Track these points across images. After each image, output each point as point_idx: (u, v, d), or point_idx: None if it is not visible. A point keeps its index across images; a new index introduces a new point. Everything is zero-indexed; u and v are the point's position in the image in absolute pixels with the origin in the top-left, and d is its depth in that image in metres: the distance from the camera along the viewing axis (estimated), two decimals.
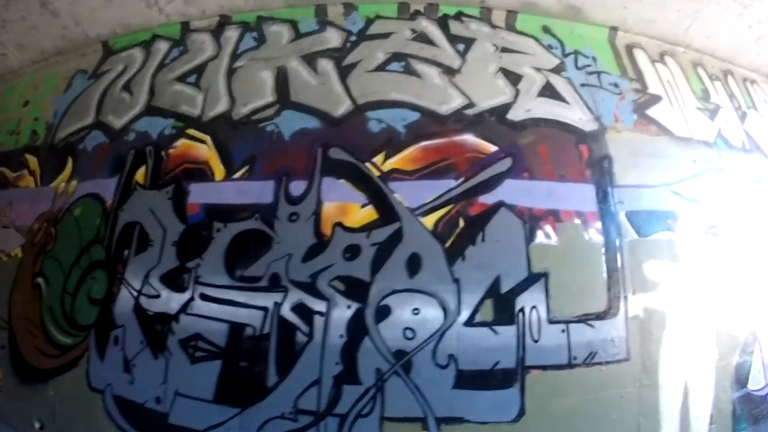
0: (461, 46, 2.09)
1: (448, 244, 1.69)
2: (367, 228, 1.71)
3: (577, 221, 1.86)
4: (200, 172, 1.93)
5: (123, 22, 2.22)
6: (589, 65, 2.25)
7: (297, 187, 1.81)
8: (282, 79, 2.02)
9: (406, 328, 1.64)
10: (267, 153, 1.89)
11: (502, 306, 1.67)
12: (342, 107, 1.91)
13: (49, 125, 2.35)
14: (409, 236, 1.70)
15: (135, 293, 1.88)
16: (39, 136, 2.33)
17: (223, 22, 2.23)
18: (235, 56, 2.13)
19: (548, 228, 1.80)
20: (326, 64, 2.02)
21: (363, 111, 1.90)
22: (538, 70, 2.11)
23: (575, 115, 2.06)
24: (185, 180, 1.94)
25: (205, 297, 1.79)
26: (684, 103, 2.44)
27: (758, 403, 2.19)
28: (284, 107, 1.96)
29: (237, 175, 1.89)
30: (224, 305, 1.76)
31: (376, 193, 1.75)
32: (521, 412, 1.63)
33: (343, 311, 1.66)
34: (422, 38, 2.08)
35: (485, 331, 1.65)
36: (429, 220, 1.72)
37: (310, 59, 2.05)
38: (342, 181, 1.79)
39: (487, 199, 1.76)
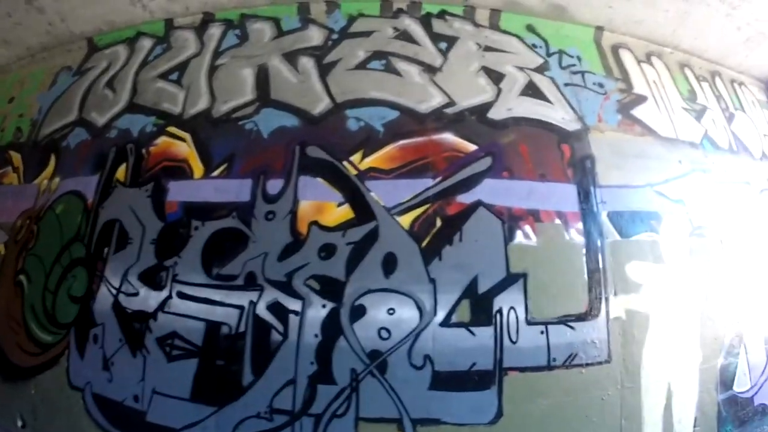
0: (443, 45, 2.04)
1: (424, 243, 1.64)
2: (343, 227, 1.66)
3: (558, 221, 1.80)
4: (179, 170, 1.89)
5: (107, 19, 2.18)
6: (573, 65, 2.18)
7: (274, 186, 1.76)
8: (263, 77, 1.97)
9: (381, 328, 1.59)
10: (245, 151, 1.84)
11: (480, 307, 1.61)
12: (321, 105, 1.86)
13: (33, 122, 2.31)
14: (385, 235, 1.64)
15: (114, 291, 1.83)
16: (23, 132, 2.29)
17: (207, 19, 2.18)
18: (217, 54, 2.08)
19: (527, 228, 1.74)
20: (307, 62, 1.97)
21: (342, 109, 1.85)
22: (521, 69, 2.05)
23: (558, 114, 2.00)
24: (164, 178, 1.89)
25: (182, 295, 1.74)
26: (670, 103, 2.37)
27: (744, 405, 2.13)
28: (264, 105, 1.91)
29: (215, 173, 1.84)
30: (201, 303, 1.71)
31: (352, 192, 1.70)
32: (499, 414, 1.58)
33: (318, 310, 1.61)
34: (404, 36, 2.03)
35: (462, 331, 1.59)
36: (405, 220, 1.67)
37: (291, 57, 2.00)
38: (319, 179, 1.74)
39: (465, 198, 1.71)
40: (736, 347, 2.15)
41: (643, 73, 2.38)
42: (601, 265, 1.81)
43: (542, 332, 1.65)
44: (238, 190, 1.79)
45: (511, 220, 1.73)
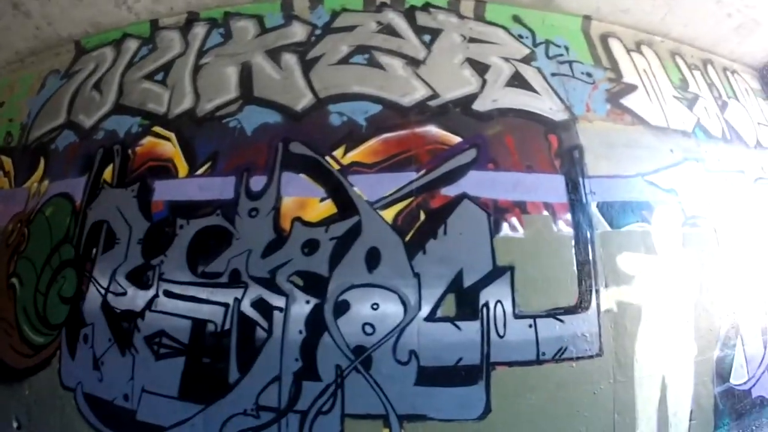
0: (427, 37, 1.97)
1: (408, 237, 1.58)
2: (326, 222, 1.61)
3: (546, 213, 1.73)
4: (165, 170, 1.85)
5: (93, 22, 2.15)
6: (560, 55, 2.11)
7: (258, 183, 1.72)
8: (246, 75, 1.92)
9: (365, 324, 1.53)
10: (229, 149, 1.79)
11: (465, 300, 1.55)
12: (303, 101, 1.81)
13: (23, 126, 2.28)
14: (368, 230, 1.59)
15: (102, 291, 1.80)
16: (13, 137, 2.27)
17: (191, 19, 2.14)
18: (201, 53, 2.04)
19: (514, 220, 1.68)
20: (290, 59, 1.92)
21: (325, 104, 1.79)
22: (507, 60, 1.99)
23: (545, 104, 1.93)
24: (150, 177, 1.85)
25: (168, 294, 1.71)
26: (661, 92, 2.28)
27: (741, 397, 2.04)
28: (247, 102, 1.86)
29: (200, 171, 1.80)
30: (187, 302, 1.68)
31: (335, 187, 1.65)
32: (487, 410, 1.52)
33: (302, 306, 1.56)
34: (387, 30, 1.97)
35: (447, 326, 1.53)
36: (389, 214, 1.61)
37: (274, 54, 1.95)
38: (301, 175, 1.69)
39: (450, 191, 1.65)
40: (733, 339, 2.07)
41: (633, 62, 2.29)
42: (591, 257, 1.73)
43: (530, 326, 1.58)
44: (222, 187, 1.75)
45: (497, 213, 1.66)
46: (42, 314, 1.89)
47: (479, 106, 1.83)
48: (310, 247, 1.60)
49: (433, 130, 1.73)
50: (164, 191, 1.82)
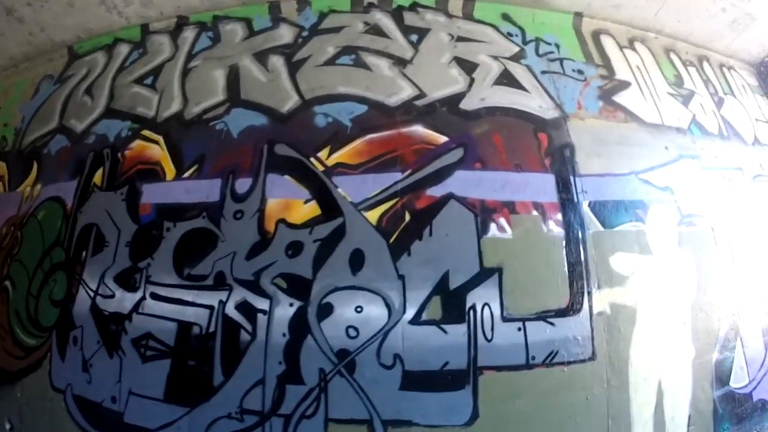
0: (414, 37, 1.91)
1: (392, 239, 1.52)
2: (310, 224, 1.56)
3: (535, 213, 1.66)
4: (153, 173, 1.81)
5: (85, 27, 2.13)
6: (551, 52, 2.03)
7: (243, 185, 1.67)
8: (233, 78, 1.88)
9: (349, 327, 1.47)
10: (216, 151, 1.75)
11: (451, 303, 1.48)
12: (289, 103, 1.76)
13: (17, 131, 2.26)
14: (352, 232, 1.53)
15: (92, 294, 1.76)
16: (8, 141, 2.25)
17: (181, 23, 2.10)
18: (190, 56, 2.00)
19: (502, 220, 1.60)
20: (277, 61, 1.87)
21: (310, 106, 1.74)
22: (496, 58, 1.91)
23: (534, 102, 1.85)
24: (138, 181, 1.82)
25: (155, 296, 1.67)
26: (655, 89, 2.19)
27: (742, 401, 1.93)
28: (234, 105, 1.82)
29: (186, 174, 1.75)
30: (173, 304, 1.63)
31: (319, 189, 1.60)
32: (474, 416, 1.45)
33: (286, 309, 1.51)
34: (374, 30, 1.91)
35: (433, 329, 1.46)
36: (373, 215, 1.55)
37: (261, 56, 1.90)
38: (286, 177, 1.64)
39: (436, 191, 1.58)
40: (732, 341, 1.96)
41: (626, 58, 2.20)
42: (582, 258, 1.65)
43: (519, 329, 1.51)
44: (208, 190, 1.70)
45: (484, 213, 1.59)
46: (33, 317, 1.86)
47: (467, 105, 1.76)
48: (294, 249, 1.55)
49: (419, 129, 1.67)
50: (152, 194, 1.78)
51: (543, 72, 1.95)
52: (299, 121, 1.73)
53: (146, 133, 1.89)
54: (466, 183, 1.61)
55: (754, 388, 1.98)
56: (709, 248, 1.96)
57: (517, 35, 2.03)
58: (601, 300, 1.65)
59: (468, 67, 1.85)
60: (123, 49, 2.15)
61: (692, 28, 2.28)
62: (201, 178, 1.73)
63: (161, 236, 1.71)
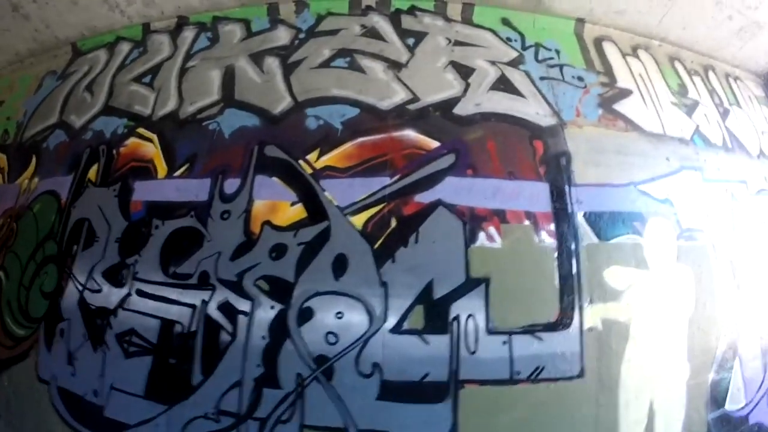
0: (411, 41, 1.84)
1: (377, 244, 1.45)
2: (295, 227, 1.50)
3: (527, 222, 1.57)
4: (145, 170, 1.77)
5: (88, 25, 2.11)
6: (551, 58, 1.94)
7: (232, 185, 1.62)
8: (229, 78, 1.83)
9: (329, 333, 1.41)
10: (207, 151, 1.70)
11: (434, 313, 1.41)
12: (282, 104, 1.70)
13: (19, 125, 2.26)
14: (336, 236, 1.47)
15: (80, 287, 1.74)
16: (10, 134, 2.25)
17: (181, 23, 2.07)
18: (188, 56, 1.96)
19: (492, 229, 1.52)
20: (272, 62, 1.82)
21: (302, 108, 1.68)
22: (493, 63, 1.83)
23: (531, 109, 1.76)
24: (131, 178, 1.78)
25: (140, 293, 1.63)
26: (657, 98, 2.08)
27: (738, 424, 1.82)
28: (228, 105, 1.77)
29: (178, 173, 1.72)
30: (157, 301, 1.59)
31: (306, 191, 1.54)
32: (453, 430, 1.37)
33: (267, 312, 1.45)
34: (371, 33, 1.84)
35: (414, 339, 1.39)
36: (359, 220, 1.48)
37: (257, 57, 1.85)
38: (274, 178, 1.58)
39: (424, 197, 1.51)
40: (730, 360, 1.84)
41: (629, 66, 2.09)
42: (575, 271, 1.56)
43: (505, 342, 1.42)
44: (198, 189, 1.66)
45: (473, 221, 1.51)
46: (24, 307, 1.85)
47: (461, 110, 1.68)
48: (278, 251, 1.49)
49: (410, 134, 1.60)
50: (143, 192, 1.75)
51: (542, 78, 1.85)
52: (291, 122, 1.67)
53: (141, 131, 1.86)
54: (456, 190, 1.53)
55: (751, 410, 1.85)
56: (709, 264, 1.84)
57: (516, 40, 1.94)
58: (592, 315, 1.55)
59: (464, 71, 1.77)
60: (124, 48, 2.13)
61: (697, 36, 2.16)
62: (191, 177, 1.68)
63: (150, 234, 1.67)
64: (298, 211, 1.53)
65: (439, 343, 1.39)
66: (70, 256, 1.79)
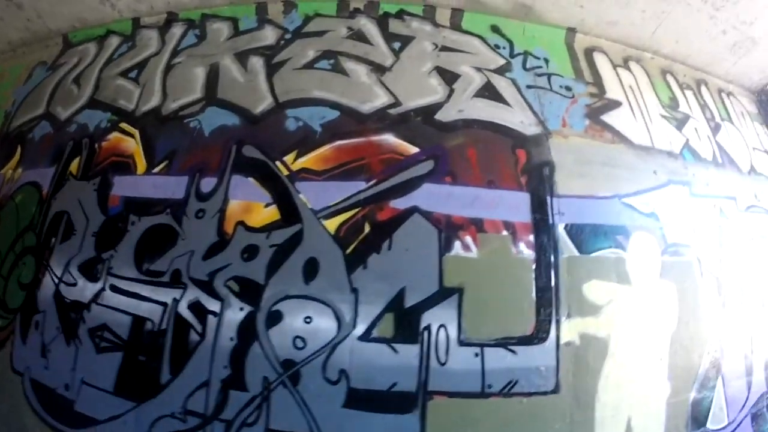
0: (397, 45, 1.81)
1: (349, 250, 1.42)
2: (268, 228, 1.47)
3: (505, 233, 1.53)
4: (125, 166, 1.75)
5: (79, 17, 2.10)
6: (539, 66, 1.90)
7: (208, 184, 1.60)
8: (213, 76, 1.81)
9: (297, 337, 1.37)
10: (186, 149, 1.68)
11: (405, 322, 1.37)
12: (263, 105, 1.68)
13: (7, 114, 2.24)
14: (308, 239, 1.44)
15: (56, 280, 1.71)
16: None
17: (171, 19, 2.05)
18: (175, 52, 1.94)
19: (468, 238, 1.48)
20: (257, 62, 1.79)
21: (283, 109, 1.66)
22: (479, 69, 1.79)
23: (516, 117, 1.72)
24: (111, 172, 1.76)
25: (114, 288, 1.60)
26: (647, 110, 2.03)
27: None
28: (210, 104, 1.75)
29: (156, 169, 1.69)
30: (130, 298, 1.57)
31: (281, 193, 1.51)
32: None
33: (236, 313, 1.42)
34: (357, 36, 1.82)
35: (383, 347, 1.35)
36: (332, 224, 1.45)
37: (242, 56, 1.83)
38: (250, 179, 1.56)
39: (400, 203, 1.47)
40: (713, 379, 1.79)
41: (619, 77, 2.05)
42: (553, 283, 1.51)
43: (477, 354, 1.38)
44: (175, 187, 1.63)
45: (449, 229, 1.47)
46: (2, 298, 1.82)
47: (443, 116, 1.65)
48: (250, 252, 1.46)
49: (389, 139, 1.56)
50: (122, 187, 1.72)
51: (528, 86, 1.82)
52: (270, 123, 1.65)
53: (124, 125, 1.84)
54: (433, 197, 1.49)
55: (734, 430, 1.80)
56: (694, 280, 1.79)
57: (504, 47, 1.90)
58: (570, 329, 1.50)
59: (449, 77, 1.74)
60: (114, 42, 2.11)
61: (691, 50, 2.12)
62: (169, 175, 1.66)
63: (126, 229, 1.65)
64: (271, 213, 1.50)
65: (409, 352, 1.35)
66: (48, 248, 1.77)
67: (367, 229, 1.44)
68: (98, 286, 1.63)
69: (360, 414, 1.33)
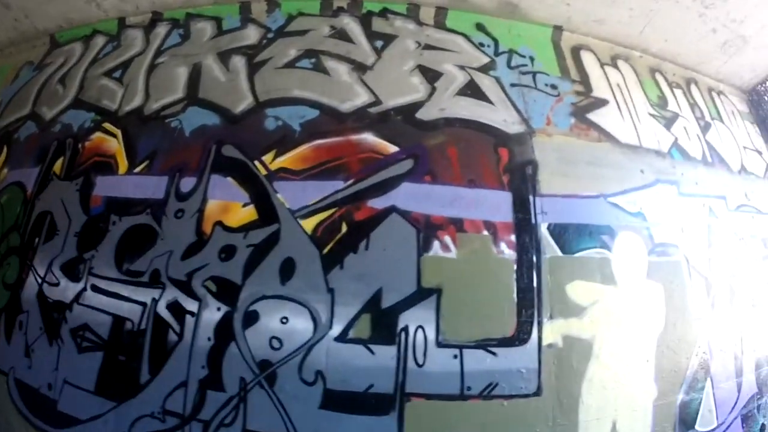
0: (379, 43, 1.79)
1: (326, 250, 1.40)
2: (246, 228, 1.46)
3: (486, 232, 1.51)
4: (107, 166, 1.74)
5: (66, 17, 2.10)
6: (524, 65, 1.88)
7: (188, 184, 1.59)
8: (195, 76, 1.80)
9: (273, 338, 1.36)
10: (167, 149, 1.67)
11: (382, 322, 1.35)
12: (243, 104, 1.67)
13: None
14: (285, 239, 1.42)
15: (39, 280, 1.71)
16: None
17: (155, 18, 2.04)
18: (159, 52, 1.94)
19: (447, 238, 1.46)
20: (238, 61, 1.78)
21: (263, 108, 1.65)
22: (462, 68, 1.77)
23: (498, 116, 1.70)
24: (93, 172, 1.75)
25: (95, 288, 1.60)
26: (635, 109, 2.00)
27: None
28: (191, 104, 1.74)
29: (137, 169, 1.68)
30: (110, 297, 1.56)
31: (258, 193, 1.49)
32: None
33: (213, 313, 1.41)
34: (339, 35, 1.80)
35: (359, 348, 1.34)
36: (309, 224, 1.43)
37: (225, 56, 1.82)
38: (228, 179, 1.54)
39: (378, 203, 1.45)
40: (701, 381, 1.76)
41: (606, 76, 2.02)
42: (535, 284, 1.49)
43: (455, 356, 1.36)
44: (155, 187, 1.63)
45: (428, 229, 1.45)
46: None
47: (424, 114, 1.63)
48: (227, 252, 1.45)
49: (369, 138, 1.55)
50: (104, 187, 1.72)
51: (512, 85, 1.80)
52: (250, 123, 1.63)
53: (107, 125, 1.83)
54: (412, 196, 1.48)
55: None
56: (682, 281, 1.76)
57: (489, 46, 1.88)
58: (552, 331, 1.48)
59: (431, 75, 1.72)
60: (99, 41, 2.10)
61: (680, 49, 2.09)
62: (150, 175, 1.66)
63: (107, 229, 1.64)
64: (249, 213, 1.48)
65: (385, 353, 1.33)
66: (32, 248, 1.77)
67: (344, 228, 1.42)
68: (80, 286, 1.62)
69: (336, 415, 1.31)
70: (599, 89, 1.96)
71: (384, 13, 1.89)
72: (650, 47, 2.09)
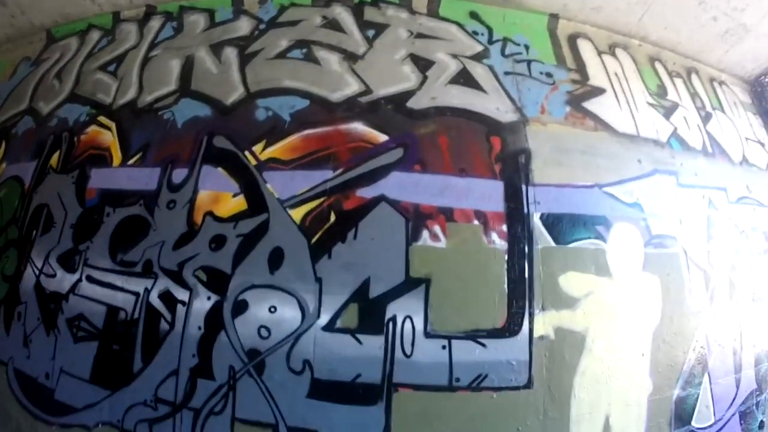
0: (371, 32, 1.77)
1: (314, 239, 1.39)
2: (236, 218, 1.46)
3: (476, 222, 1.49)
4: (102, 158, 1.76)
5: (62, 12, 2.12)
6: (519, 53, 1.84)
7: (179, 175, 1.59)
8: (187, 68, 1.80)
9: (262, 326, 1.36)
10: (160, 141, 1.68)
11: (369, 312, 1.34)
12: (234, 95, 1.66)
13: None
14: (274, 229, 1.42)
15: (37, 272, 1.74)
16: None
17: (149, 12, 2.05)
18: (153, 45, 1.94)
19: (437, 228, 1.44)
20: (230, 53, 1.78)
21: (254, 99, 1.64)
22: (455, 56, 1.75)
23: (491, 104, 1.67)
24: (88, 165, 1.77)
25: (90, 279, 1.62)
26: (633, 98, 1.95)
27: None
28: (183, 95, 1.74)
29: (131, 161, 1.70)
30: (105, 288, 1.58)
31: (248, 183, 1.49)
32: None
33: (203, 302, 1.42)
34: (331, 25, 1.79)
35: (347, 338, 1.33)
36: (298, 213, 1.43)
37: (217, 48, 1.82)
38: (219, 169, 1.54)
39: (366, 192, 1.44)
40: (698, 376, 1.72)
41: (603, 64, 1.98)
42: (527, 275, 1.47)
43: (444, 347, 1.35)
44: (148, 178, 1.64)
45: (417, 219, 1.43)
46: None
47: (414, 103, 1.61)
48: (217, 242, 1.45)
49: (358, 127, 1.53)
50: (98, 179, 1.73)
51: (506, 73, 1.76)
52: (241, 113, 1.63)
53: (102, 119, 1.85)
54: (401, 185, 1.46)
55: (720, 428, 1.73)
56: (680, 273, 1.72)
57: (483, 34, 1.85)
58: (544, 323, 1.46)
59: (423, 64, 1.70)
60: (94, 36, 2.12)
61: (680, 37, 2.03)
62: (143, 166, 1.67)
63: (101, 221, 1.66)
64: (239, 203, 1.48)
65: (373, 343, 1.32)
66: (30, 241, 1.79)
67: (332, 218, 1.41)
68: (75, 276, 1.65)
69: (324, 405, 1.31)
70: (596, 78, 1.92)
71: (377, 2, 1.87)
72: (649, 35, 2.04)
